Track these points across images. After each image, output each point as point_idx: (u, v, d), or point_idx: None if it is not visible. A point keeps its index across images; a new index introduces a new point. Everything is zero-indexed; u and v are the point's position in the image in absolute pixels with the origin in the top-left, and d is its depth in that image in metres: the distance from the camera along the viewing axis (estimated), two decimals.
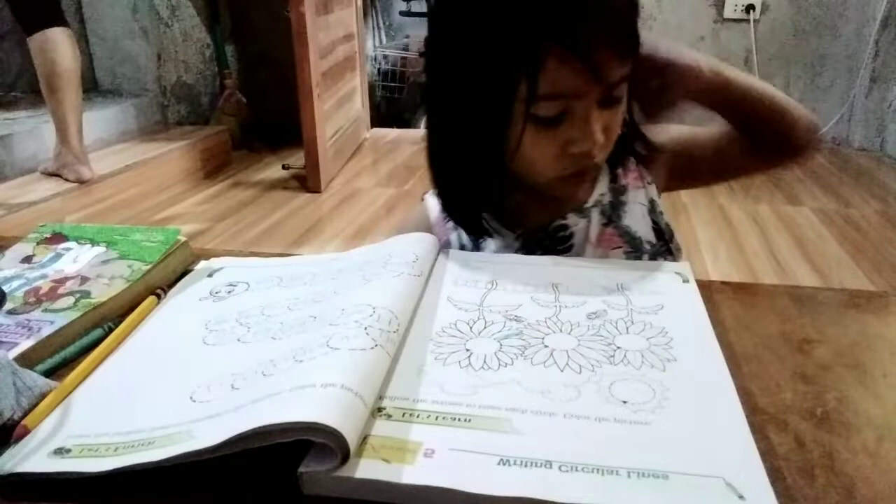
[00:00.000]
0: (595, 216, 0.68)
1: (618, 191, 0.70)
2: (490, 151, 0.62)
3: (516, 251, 0.68)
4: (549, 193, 0.65)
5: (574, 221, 0.68)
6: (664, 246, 0.70)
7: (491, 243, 0.69)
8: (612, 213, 0.69)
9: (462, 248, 0.71)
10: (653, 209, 0.71)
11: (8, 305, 0.50)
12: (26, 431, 0.37)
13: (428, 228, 0.71)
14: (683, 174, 0.75)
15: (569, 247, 0.68)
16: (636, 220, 0.69)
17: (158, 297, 0.53)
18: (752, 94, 0.66)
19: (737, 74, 0.66)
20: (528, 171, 0.63)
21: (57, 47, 2.02)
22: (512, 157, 0.61)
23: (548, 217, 0.69)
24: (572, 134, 0.58)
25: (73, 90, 2.08)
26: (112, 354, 0.45)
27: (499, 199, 0.67)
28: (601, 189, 0.69)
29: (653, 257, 0.69)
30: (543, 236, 0.68)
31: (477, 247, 0.70)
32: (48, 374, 0.43)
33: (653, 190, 0.71)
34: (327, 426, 0.32)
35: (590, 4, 0.54)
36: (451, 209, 0.68)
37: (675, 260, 0.70)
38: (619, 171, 0.71)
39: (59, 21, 2.06)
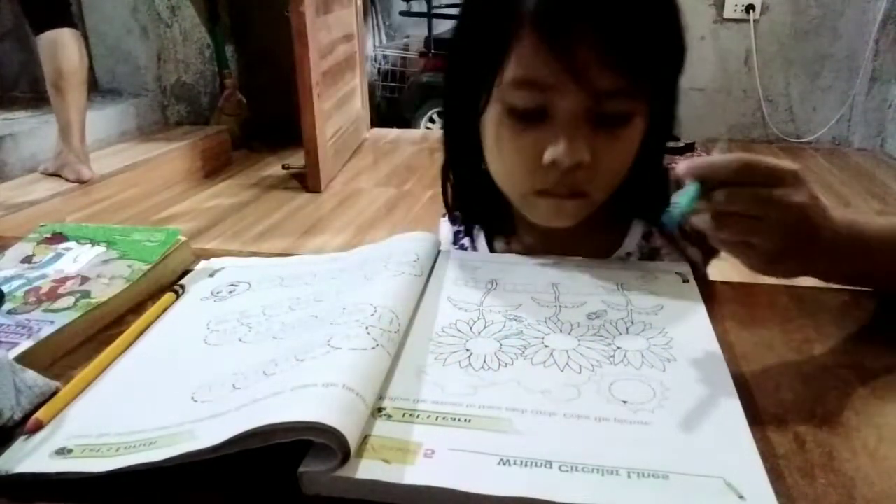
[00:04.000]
0: None
1: (649, 255, 0.62)
2: (472, 145, 0.58)
3: None
4: (526, 214, 0.60)
5: None
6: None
7: None
8: None
9: None
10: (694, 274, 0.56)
11: (8, 305, 0.50)
12: (41, 425, 0.37)
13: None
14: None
15: None
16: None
17: (177, 293, 0.54)
18: None
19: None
20: (505, 178, 0.58)
21: (65, 48, 2.04)
22: (491, 153, 0.57)
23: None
24: (549, 138, 0.52)
25: (78, 90, 2.10)
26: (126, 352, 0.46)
27: (487, 208, 0.63)
28: (629, 246, 0.62)
29: None
30: None
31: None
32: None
33: (696, 252, 0.61)
34: (328, 426, 0.32)
35: None
36: (461, 210, 0.66)
37: None
38: (654, 230, 0.62)
39: (68, 22, 2.08)
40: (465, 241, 0.70)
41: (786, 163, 0.42)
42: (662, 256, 0.63)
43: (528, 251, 0.62)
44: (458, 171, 0.64)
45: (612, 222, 0.63)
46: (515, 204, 0.59)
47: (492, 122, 0.56)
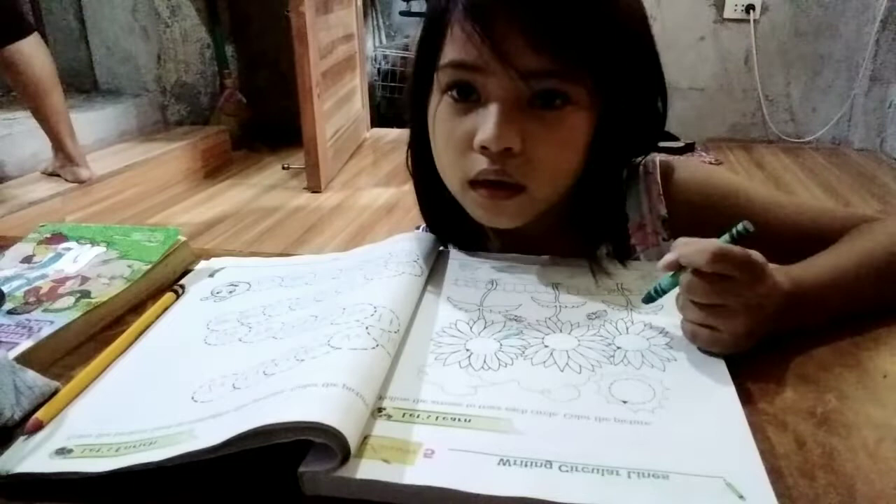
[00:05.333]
0: None
1: (623, 252, 0.60)
2: (423, 133, 0.58)
3: None
4: (469, 212, 0.58)
5: None
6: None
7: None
8: None
9: None
10: None
11: (8, 305, 0.50)
12: (41, 425, 0.37)
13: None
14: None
15: None
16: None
17: (177, 293, 0.54)
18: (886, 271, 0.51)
19: (847, 258, 0.51)
20: (444, 169, 0.57)
21: (30, 59, 1.96)
22: (435, 145, 0.57)
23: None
24: (478, 120, 0.52)
25: (54, 96, 2.03)
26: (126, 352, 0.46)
27: (452, 221, 0.61)
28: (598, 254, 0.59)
29: None
30: None
31: None
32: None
33: (666, 248, 0.58)
34: (329, 426, 0.32)
35: None
36: (425, 214, 0.65)
37: None
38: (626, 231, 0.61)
39: (25, 31, 1.97)
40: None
41: (755, 253, 0.43)
42: (639, 253, 0.62)
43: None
44: (421, 183, 0.63)
45: (577, 233, 0.60)
46: (458, 199, 0.58)
47: (433, 111, 0.56)
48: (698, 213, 0.60)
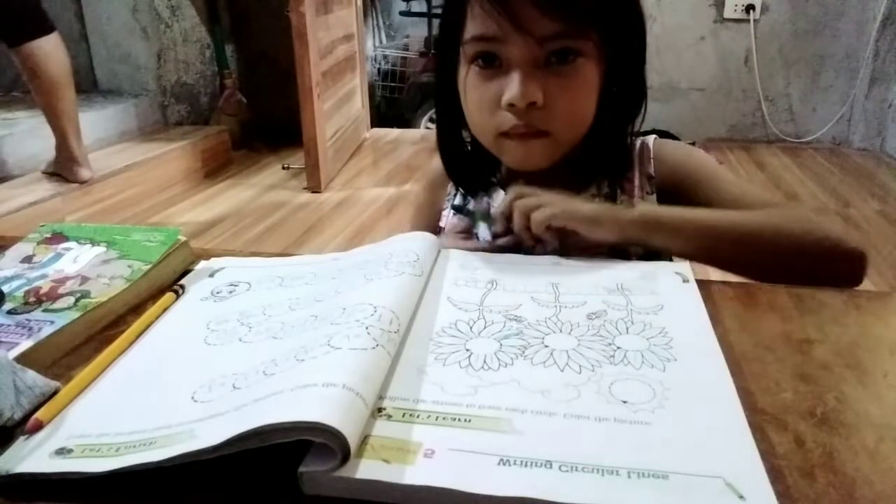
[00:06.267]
0: None
1: (608, 199, 0.70)
2: (452, 100, 0.67)
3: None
4: (502, 159, 0.68)
5: None
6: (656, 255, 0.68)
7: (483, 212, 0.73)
8: None
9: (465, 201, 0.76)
10: None
11: (8, 305, 0.50)
12: (41, 425, 0.37)
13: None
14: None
15: None
16: None
17: (177, 293, 0.54)
18: (757, 240, 0.59)
19: (724, 216, 0.61)
20: (477, 127, 0.66)
21: (47, 57, 1.97)
22: (466, 107, 0.66)
23: None
24: (503, 83, 0.61)
25: (67, 96, 2.04)
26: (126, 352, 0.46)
27: (472, 171, 0.72)
28: (590, 192, 0.70)
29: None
30: None
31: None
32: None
33: (653, 202, 0.70)
34: (329, 426, 0.32)
35: None
36: (445, 162, 0.74)
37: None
38: (613, 181, 0.70)
39: (46, 29, 1.99)
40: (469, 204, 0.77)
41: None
42: (621, 202, 0.70)
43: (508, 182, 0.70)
44: (446, 138, 0.72)
45: (576, 177, 0.70)
46: (493, 151, 0.67)
47: (463, 80, 0.65)
48: (675, 176, 0.70)
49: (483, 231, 0.73)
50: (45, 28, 2.00)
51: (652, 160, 0.70)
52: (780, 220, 0.61)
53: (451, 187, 0.78)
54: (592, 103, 0.64)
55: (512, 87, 0.59)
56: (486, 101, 0.62)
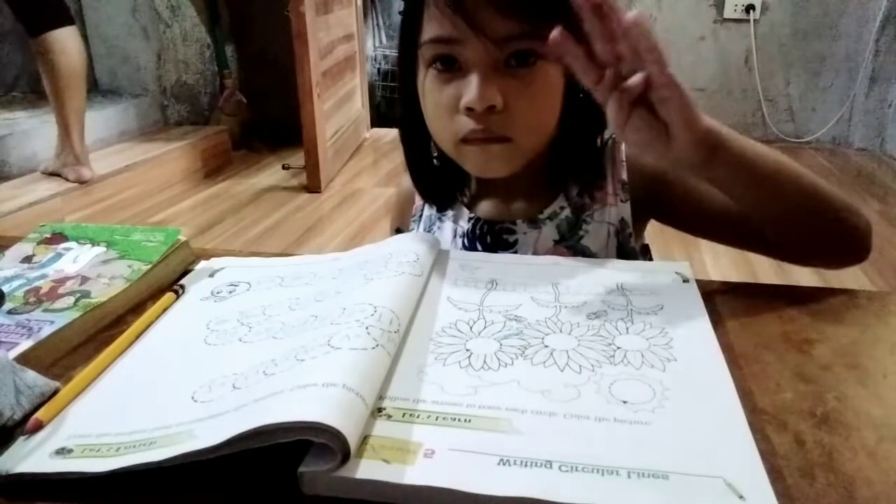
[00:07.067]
0: (547, 230, 0.66)
1: (580, 207, 0.67)
2: (417, 110, 0.64)
3: (462, 238, 0.69)
4: (463, 166, 0.64)
5: (522, 229, 0.67)
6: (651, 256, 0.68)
7: (448, 225, 0.71)
8: (569, 230, 0.66)
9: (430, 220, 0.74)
10: (622, 230, 0.67)
11: (8, 305, 0.50)
12: (41, 425, 0.37)
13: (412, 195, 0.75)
14: (664, 216, 0.68)
15: (512, 253, 0.66)
16: (598, 241, 0.66)
17: (177, 293, 0.54)
18: (797, 186, 0.54)
19: (770, 153, 0.54)
20: (437, 133, 0.63)
21: (64, 49, 1.99)
22: (426, 112, 0.63)
23: (497, 213, 0.68)
24: (462, 86, 0.58)
25: (78, 91, 2.06)
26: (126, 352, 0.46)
27: (434, 169, 0.69)
28: (560, 202, 0.67)
29: None
30: (488, 232, 0.68)
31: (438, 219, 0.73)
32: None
33: (627, 209, 0.67)
34: (329, 426, 0.32)
35: None
36: (413, 176, 0.71)
37: None
38: (582, 186, 0.67)
39: (66, 21, 2.02)
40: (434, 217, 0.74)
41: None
42: (595, 209, 0.67)
43: (475, 196, 0.70)
44: (412, 151, 0.69)
45: (548, 181, 0.68)
46: (453, 158, 0.64)
47: (422, 84, 0.62)
48: (648, 178, 0.66)
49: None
50: (65, 19, 2.02)
51: (624, 164, 0.67)
52: (808, 173, 0.56)
53: (417, 203, 0.75)
54: (555, 107, 0.61)
55: (470, 89, 0.57)
56: (445, 106, 0.60)
